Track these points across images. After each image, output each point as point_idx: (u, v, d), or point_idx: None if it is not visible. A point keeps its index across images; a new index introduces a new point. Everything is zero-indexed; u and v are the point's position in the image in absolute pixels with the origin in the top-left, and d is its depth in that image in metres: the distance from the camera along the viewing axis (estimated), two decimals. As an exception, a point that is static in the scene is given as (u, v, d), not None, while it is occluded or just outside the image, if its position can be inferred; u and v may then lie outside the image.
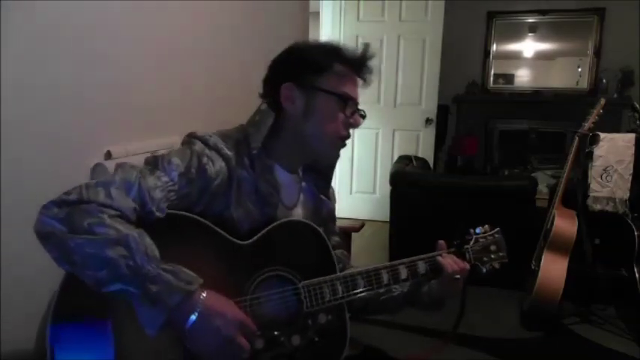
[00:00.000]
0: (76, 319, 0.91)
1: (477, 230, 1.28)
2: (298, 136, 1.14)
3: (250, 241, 1.07)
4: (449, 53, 4.69)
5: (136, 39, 1.87)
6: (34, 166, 1.48)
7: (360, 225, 2.59)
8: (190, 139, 1.08)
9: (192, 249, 1.00)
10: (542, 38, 5.35)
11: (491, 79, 5.52)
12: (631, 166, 2.82)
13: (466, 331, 2.57)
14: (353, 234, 2.49)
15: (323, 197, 1.27)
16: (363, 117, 1.20)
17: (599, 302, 2.83)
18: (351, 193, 4.94)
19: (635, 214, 2.79)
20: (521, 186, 3.16)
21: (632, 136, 2.90)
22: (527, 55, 5.44)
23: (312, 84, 1.11)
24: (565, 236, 2.64)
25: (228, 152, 1.07)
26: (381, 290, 1.18)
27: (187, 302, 0.89)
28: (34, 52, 1.47)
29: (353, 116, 1.16)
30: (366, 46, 1.15)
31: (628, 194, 2.81)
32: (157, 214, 0.97)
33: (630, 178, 2.82)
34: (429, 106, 4.62)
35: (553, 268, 2.62)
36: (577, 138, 2.79)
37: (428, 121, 4.61)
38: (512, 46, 5.46)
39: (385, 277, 1.15)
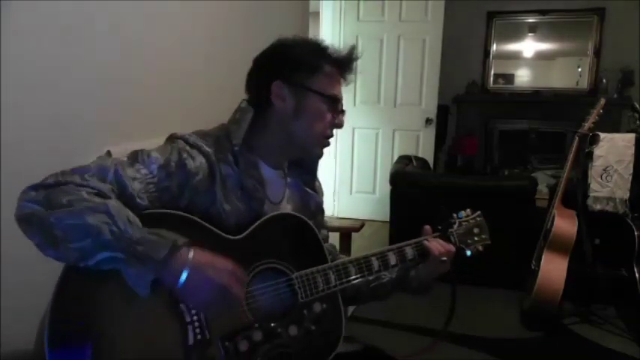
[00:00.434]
0: (68, 343, 0.91)
1: (460, 214, 1.33)
2: (285, 133, 1.15)
3: (241, 235, 1.08)
4: (449, 53, 4.69)
5: (136, 39, 1.87)
6: (34, 166, 1.47)
7: (360, 225, 2.59)
8: (172, 138, 1.11)
9: None
10: (542, 38, 5.35)
11: (491, 79, 5.52)
12: (631, 166, 2.82)
13: (466, 331, 2.57)
14: (353, 234, 2.49)
15: (310, 191, 1.28)
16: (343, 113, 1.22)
17: (599, 302, 2.83)
18: (351, 193, 4.94)
19: (635, 214, 2.79)
20: (521, 186, 3.16)
21: (632, 136, 2.90)
22: (527, 55, 5.44)
23: (303, 84, 1.13)
24: (565, 236, 2.64)
25: (208, 149, 1.09)
26: (371, 277, 1.21)
27: (175, 258, 0.90)
28: (34, 53, 1.47)
29: (338, 117, 1.18)
30: (352, 47, 1.17)
31: (628, 194, 2.81)
32: (138, 200, 0.98)
33: (630, 178, 2.82)
34: (429, 106, 4.62)
35: (553, 268, 2.62)
36: (577, 138, 2.79)
37: (428, 121, 4.61)
38: (512, 46, 5.46)
39: (375, 264, 1.18)
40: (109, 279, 0.91)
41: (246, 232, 1.08)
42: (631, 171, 2.82)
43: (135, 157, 1.03)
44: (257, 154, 1.16)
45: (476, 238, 1.32)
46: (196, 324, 0.98)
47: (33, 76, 1.47)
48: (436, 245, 1.23)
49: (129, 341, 0.93)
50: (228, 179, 1.10)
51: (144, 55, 1.92)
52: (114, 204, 0.90)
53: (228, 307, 0.97)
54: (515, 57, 5.49)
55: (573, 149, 2.78)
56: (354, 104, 4.76)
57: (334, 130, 1.21)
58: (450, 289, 1.31)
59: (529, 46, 5.42)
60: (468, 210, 1.34)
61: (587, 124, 2.77)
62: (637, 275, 2.61)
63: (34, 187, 0.91)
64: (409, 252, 1.23)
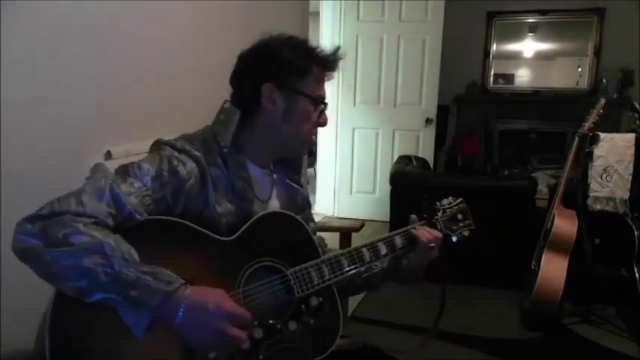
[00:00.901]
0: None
1: (443, 202, 1.37)
2: (273, 134, 1.17)
3: (234, 236, 1.09)
4: (449, 53, 4.69)
5: (136, 39, 1.87)
6: (34, 166, 1.48)
7: (360, 225, 2.59)
8: (158, 145, 1.11)
9: (178, 251, 1.01)
10: (542, 38, 5.35)
11: (491, 79, 5.52)
12: (631, 166, 2.82)
13: (466, 331, 2.57)
14: (353, 234, 2.49)
15: (295, 186, 1.29)
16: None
17: (599, 302, 2.83)
18: (351, 193, 4.94)
19: (635, 214, 2.79)
20: (521, 186, 3.16)
21: (632, 136, 2.90)
22: (527, 55, 5.45)
23: (293, 87, 1.14)
24: (565, 236, 2.64)
25: (197, 152, 1.09)
26: (363, 268, 1.22)
27: (170, 301, 0.89)
28: (34, 53, 1.47)
29: (322, 116, 1.20)
30: (337, 47, 1.18)
31: (628, 194, 2.81)
32: (137, 216, 0.98)
33: (630, 178, 2.82)
34: (429, 106, 4.62)
35: (553, 268, 2.62)
36: (577, 138, 2.79)
37: (428, 121, 4.61)
38: (512, 46, 5.46)
39: (367, 255, 1.21)
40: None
41: (239, 232, 1.09)
42: (631, 171, 2.82)
43: (126, 171, 1.03)
44: (245, 155, 1.17)
45: (460, 224, 1.35)
46: None
47: (33, 76, 1.47)
48: (423, 232, 1.26)
49: (126, 349, 0.93)
50: (218, 181, 1.11)
51: (144, 55, 1.92)
52: (110, 242, 0.89)
53: (225, 349, 0.96)
54: (515, 57, 5.49)
55: (573, 149, 2.78)
56: (354, 104, 4.76)
57: (329, 129, 1.23)
58: (440, 287, 1.33)
59: (529, 46, 5.42)
60: (450, 197, 1.38)
61: (587, 124, 2.76)
62: (637, 275, 2.61)
63: (30, 219, 0.90)
64: (398, 241, 1.26)
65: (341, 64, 1.19)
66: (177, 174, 1.05)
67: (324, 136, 4.88)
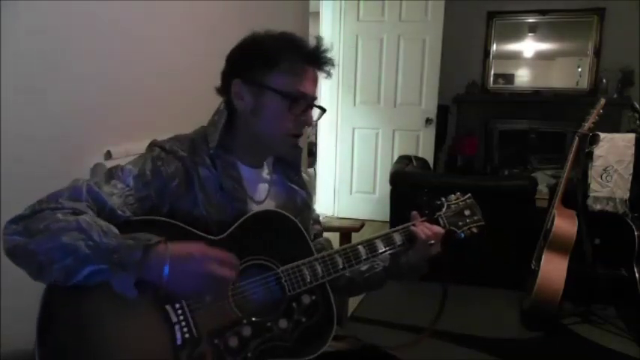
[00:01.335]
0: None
1: (449, 197, 1.32)
2: (250, 133, 1.15)
3: (224, 235, 1.09)
4: (449, 53, 4.69)
5: (136, 39, 1.87)
6: (34, 166, 1.48)
7: (360, 225, 2.58)
8: (150, 147, 1.13)
9: None
10: (542, 38, 5.35)
11: (491, 79, 5.52)
12: (631, 166, 2.82)
13: (466, 331, 2.58)
14: (353, 234, 2.49)
15: (295, 187, 1.27)
16: (324, 111, 1.20)
17: (599, 302, 2.83)
18: (351, 193, 4.94)
19: (635, 214, 2.79)
20: (521, 186, 3.16)
21: (632, 136, 2.89)
22: (527, 55, 5.44)
23: (260, 81, 1.10)
24: (565, 236, 2.64)
25: (184, 153, 1.10)
26: (359, 266, 1.20)
27: (153, 256, 0.91)
28: (34, 53, 1.47)
29: (305, 114, 1.14)
30: (319, 38, 1.14)
31: (628, 194, 2.81)
32: (119, 212, 0.99)
33: (630, 178, 2.82)
34: (429, 106, 4.62)
35: (553, 268, 2.62)
36: (577, 138, 2.79)
37: (428, 121, 4.61)
38: (512, 46, 5.46)
39: (363, 252, 1.18)
40: (91, 290, 0.92)
41: (229, 231, 1.09)
42: (631, 171, 2.82)
43: (110, 174, 1.05)
44: (234, 155, 1.16)
45: (467, 220, 1.30)
46: (183, 323, 0.99)
47: (33, 76, 1.47)
48: (422, 229, 1.22)
49: (117, 348, 0.94)
50: (206, 181, 1.10)
51: (144, 55, 1.92)
52: (85, 218, 0.91)
53: (217, 291, 0.99)
54: (515, 57, 5.48)
55: (573, 149, 2.78)
56: (354, 104, 4.76)
57: (318, 128, 1.21)
58: (441, 286, 1.31)
59: (529, 46, 5.42)
60: (458, 193, 1.33)
61: (587, 124, 2.76)
62: (637, 275, 2.61)
63: (14, 221, 0.94)
64: (397, 238, 1.22)
65: (340, 62, 1.16)
66: (159, 174, 1.06)
67: (324, 136, 4.89)
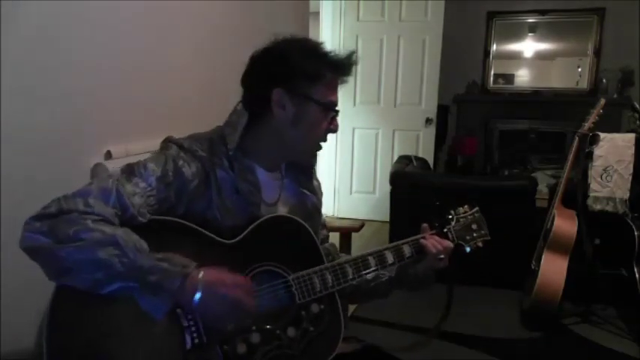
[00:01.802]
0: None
1: (457, 210, 1.33)
2: (281, 139, 1.15)
3: (237, 239, 1.08)
4: (449, 53, 4.69)
5: (136, 39, 1.87)
6: (34, 166, 1.48)
7: (360, 225, 2.59)
8: (166, 143, 1.11)
9: (180, 252, 1.00)
10: (542, 38, 5.35)
11: (491, 79, 5.52)
12: (631, 166, 2.82)
13: (466, 331, 2.57)
14: (353, 234, 2.50)
15: (306, 192, 1.27)
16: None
17: (599, 302, 2.83)
18: (351, 193, 4.94)
19: (635, 214, 2.78)
20: (521, 186, 3.16)
21: (632, 136, 2.89)
22: (527, 55, 5.44)
23: (304, 93, 1.11)
24: (565, 236, 2.64)
25: (203, 154, 1.09)
26: (370, 277, 1.22)
27: (188, 283, 0.92)
28: (34, 52, 1.47)
29: (334, 122, 1.17)
30: (352, 52, 1.15)
31: (628, 194, 2.81)
32: (140, 218, 0.98)
33: (630, 178, 2.82)
34: (429, 106, 4.62)
35: (553, 268, 2.62)
36: (577, 138, 2.79)
37: (428, 121, 4.61)
38: (512, 46, 5.46)
39: (372, 263, 1.19)
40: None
41: (242, 235, 1.09)
42: (631, 171, 2.82)
43: (131, 171, 1.03)
44: (252, 158, 1.15)
45: (474, 234, 1.32)
46: (193, 328, 0.99)
47: (33, 76, 1.47)
48: (433, 243, 1.23)
49: (127, 349, 0.94)
50: (223, 183, 1.10)
51: (144, 55, 1.92)
52: (120, 234, 0.91)
53: (242, 318, 1.00)
54: (515, 57, 5.48)
55: (573, 149, 2.78)
56: (354, 104, 4.76)
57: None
58: (446, 288, 1.31)
59: (529, 46, 5.42)
60: (466, 206, 1.34)
61: (587, 124, 2.77)
62: (637, 275, 2.61)
63: (38, 218, 0.91)
64: (406, 250, 1.23)
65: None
66: (182, 175, 1.05)
67: (324, 136, 4.88)
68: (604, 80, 5.02)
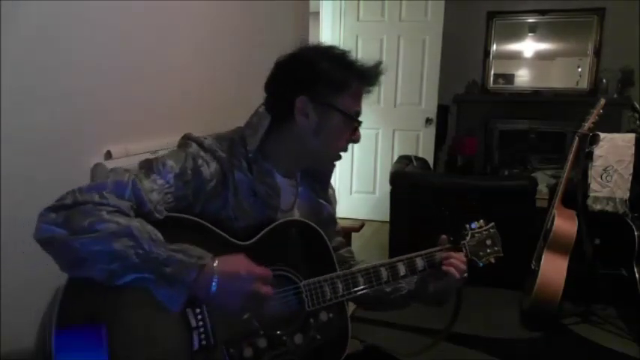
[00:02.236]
0: (79, 326, 0.91)
1: (473, 225, 1.31)
2: (302, 147, 1.14)
3: (251, 241, 1.08)
4: (449, 53, 4.69)
5: (136, 39, 1.87)
6: (34, 166, 1.48)
7: (360, 225, 2.59)
8: (185, 140, 1.09)
9: None
10: (542, 38, 5.35)
11: (491, 79, 5.52)
12: (631, 166, 2.82)
13: (466, 331, 2.57)
14: (353, 234, 2.49)
15: (321, 200, 1.27)
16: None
17: (599, 302, 2.83)
18: (350, 193, 4.94)
19: (635, 214, 2.79)
20: (521, 186, 3.16)
21: (632, 136, 2.90)
22: (527, 55, 5.44)
23: (329, 102, 1.10)
24: (565, 236, 2.64)
25: (223, 154, 1.08)
26: (388, 290, 1.22)
27: (204, 275, 0.91)
28: (34, 52, 1.47)
29: (356, 132, 1.17)
30: (379, 62, 1.13)
31: (628, 194, 2.81)
32: (156, 215, 0.97)
33: (630, 178, 2.82)
34: (429, 106, 4.62)
35: (553, 268, 2.62)
36: (577, 138, 2.80)
37: (428, 121, 4.61)
38: (512, 46, 5.46)
39: (384, 274, 1.17)
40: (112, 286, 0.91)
41: (256, 237, 1.08)
42: (631, 171, 2.82)
43: (150, 167, 1.02)
44: (270, 162, 1.14)
45: (488, 250, 1.31)
46: (201, 329, 0.98)
47: (33, 76, 1.47)
48: (457, 264, 1.21)
49: (134, 348, 0.93)
50: (240, 185, 1.09)
51: (144, 55, 1.92)
52: (136, 225, 0.90)
53: (258, 308, 0.99)
54: (515, 57, 5.49)
55: (573, 149, 2.78)
56: (354, 104, 4.76)
57: None
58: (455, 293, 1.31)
59: (529, 46, 5.42)
60: (482, 221, 1.33)
61: (587, 124, 2.77)
62: (637, 275, 2.61)
63: (53, 209, 0.91)
64: (419, 263, 1.21)
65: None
66: (200, 174, 1.04)
67: (324, 136, 4.88)
68: (604, 80, 5.03)
